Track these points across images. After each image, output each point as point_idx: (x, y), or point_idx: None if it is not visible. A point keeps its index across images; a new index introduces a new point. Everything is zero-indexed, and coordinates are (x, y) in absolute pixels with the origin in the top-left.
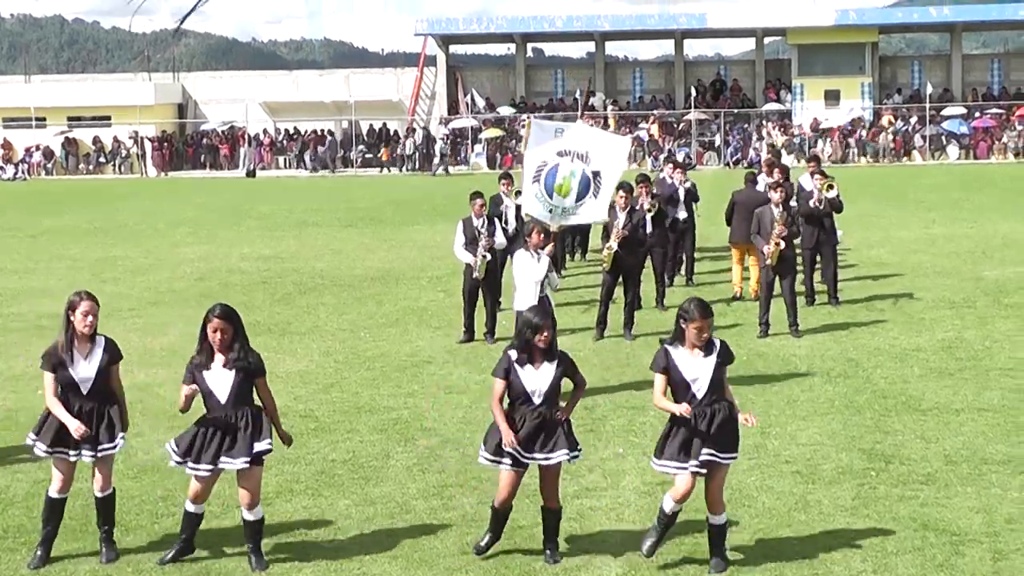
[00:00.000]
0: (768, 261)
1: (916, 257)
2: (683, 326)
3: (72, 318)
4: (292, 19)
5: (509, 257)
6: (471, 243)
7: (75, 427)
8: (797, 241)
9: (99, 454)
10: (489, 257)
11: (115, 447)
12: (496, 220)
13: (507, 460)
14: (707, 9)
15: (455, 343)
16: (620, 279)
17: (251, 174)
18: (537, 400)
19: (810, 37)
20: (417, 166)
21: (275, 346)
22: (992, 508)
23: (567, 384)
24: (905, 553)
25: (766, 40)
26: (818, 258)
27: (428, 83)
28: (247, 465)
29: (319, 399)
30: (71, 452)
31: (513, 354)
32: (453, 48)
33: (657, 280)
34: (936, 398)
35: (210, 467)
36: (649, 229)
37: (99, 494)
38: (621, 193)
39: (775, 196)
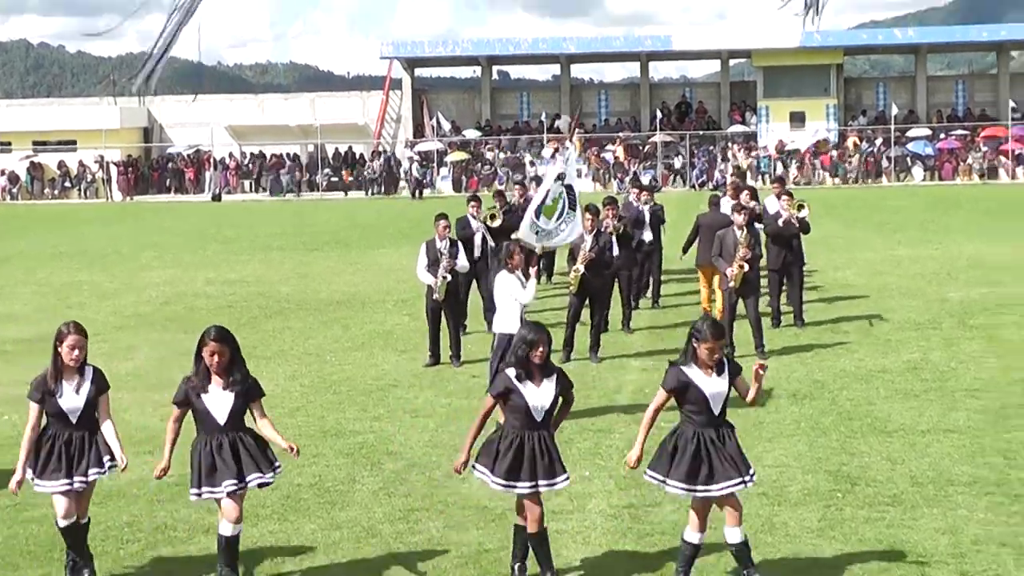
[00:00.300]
0: (731, 284)
1: (882, 279)
2: (695, 345)
3: (60, 350)
4: (257, 43)
5: (475, 280)
6: (433, 265)
7: (15, 480)
8: (760, 263)
9: (88, 478)
10: (449, 278)
11: (103, 472)
12: (459, 243)
13: (524, 485)
14: (672, 32)
15: (421, 367)
16: (587, 301)
17: (216, 198)
18: (538, 417)
19: (775, 59)
20: (383, 189)
21: None
22: (958, 529)
23: None
24: (872, 575)
25: (731, 62)
26: (784, 279)
27: (394, 106)
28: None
29: (285, 423)
30: (63, 481)
31: (511, 372)
32: (419, 71)
33: (623, 303)
34: (902, 419)
35: (235, 483)
36: (616, 252)
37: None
38: (587, 216)
39: (738, 219)
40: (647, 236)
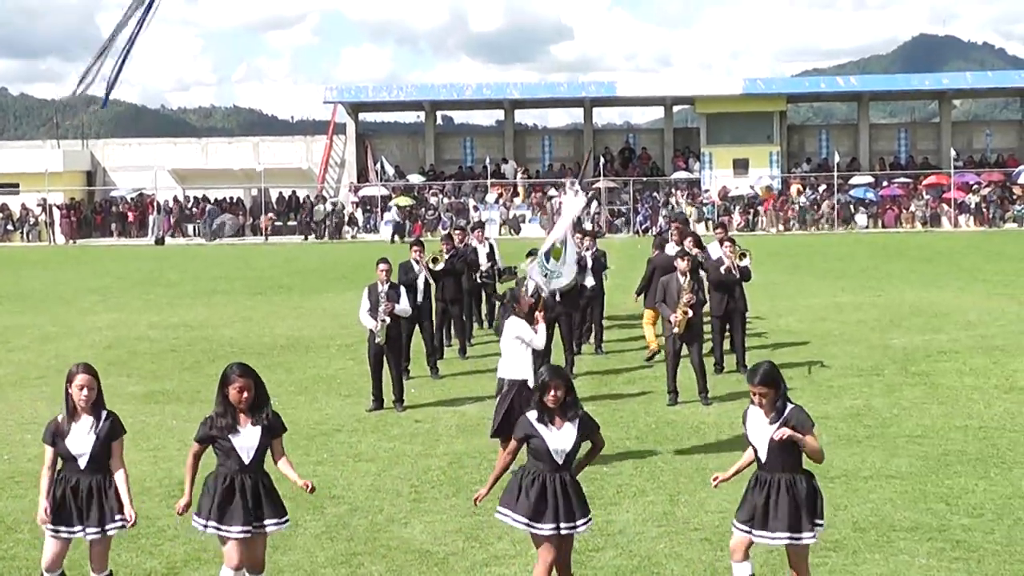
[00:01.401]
0: (675, 329)
1: (824, 325)
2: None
3: (69, 390)
4: (200, 86)
5: (418, 325)
6: (375, 309)
7: (41, 513)
8: (704, 309)
9: (104, 532)
10: (388, 321)
11: (118, 526)
12: (401, 287)
13: (547, 526)
14: (616, 78)
15: (364, 411)
16: None
17: (160, 242)
18: (560, 460)
19: (718, 106)
20: (327, 234)
21: (184, 414)
22: (900, 574)
23: None
24: None
25: (675, 109)
26: (727, 325)
27: (338, 151)
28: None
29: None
30: (64, 529)
31: (533, 415)
32: (363, 116)
33: (566, 348)
34: (844, 465)
35: (246, 529)
36: (558, 296)
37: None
38: (529, 260)
39: (682, 264)
40: (589, 282)
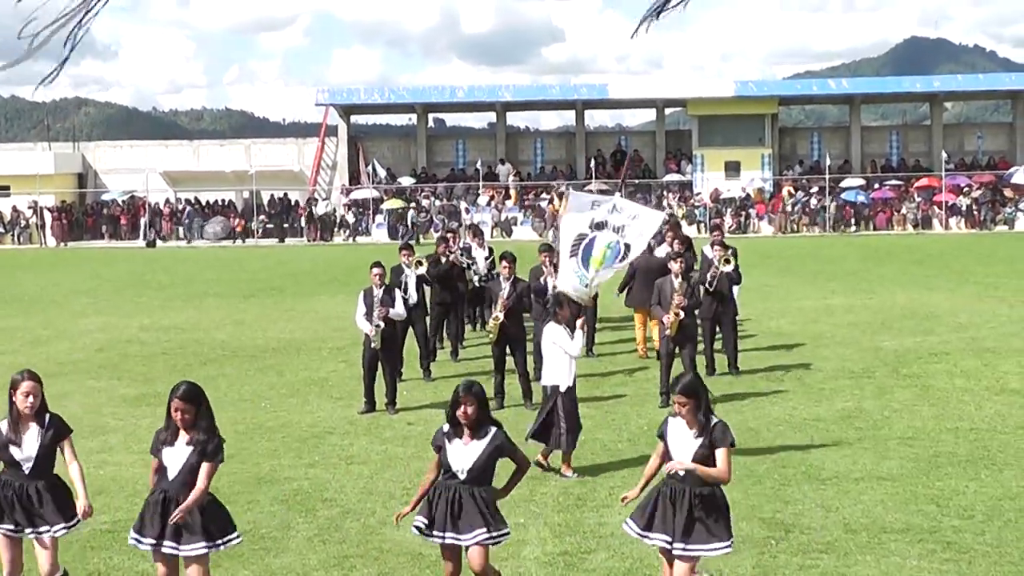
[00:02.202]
0: (668, 332)
1: (816, 327)
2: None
3: (14, 398)
4: (192, 88)
5: (411, 327)
6: (371, 313)
7: None
8: (698, 311)
9: (46, 534)
10: (383, 326)
11: (65, 528)
12: (395, 290)
13: (437, 535)
14: (608, 80)
15: (356, 414)
16: (507, 348)
17: (151, 244)
18: (462, 476)
19: (710, 108)
20: (319, 236)
21: None
22: None
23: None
24: None
25: (667, 111)
26: (717, 328)
27: (329, 153)
28: (196, 552)
29: (219, 470)
30: (11, 529)
31: (445, 428)
32: (354, 118)
33: None
34: (836, 467)
35: (153, 543)
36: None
37: None
38: (504, 263)
39: (675, 267)
40: None
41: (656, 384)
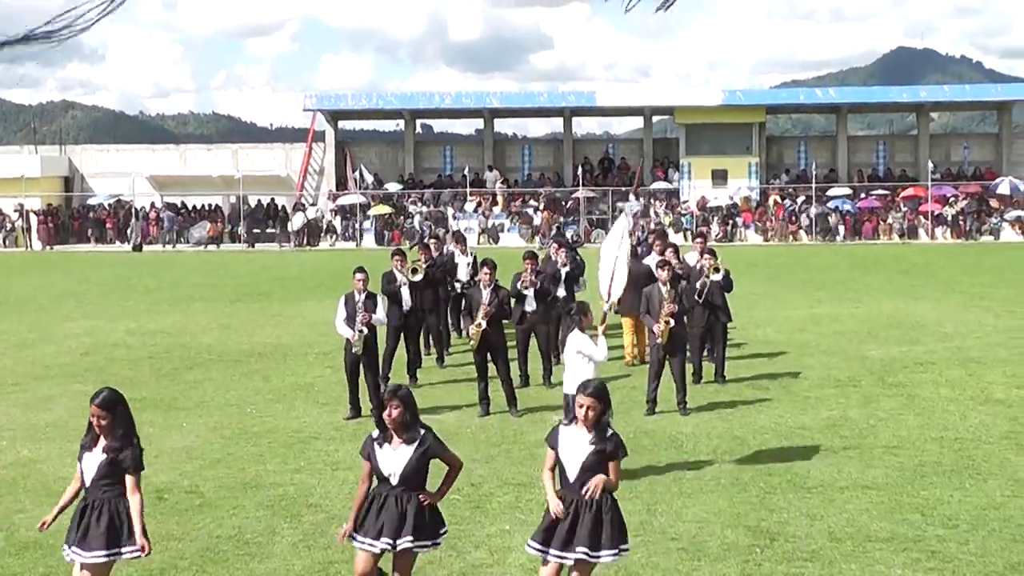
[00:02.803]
0: (659, 340)
1: (802, 336)
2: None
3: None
4: (179, 93)
5: (403, 335)
6: (351, 318)
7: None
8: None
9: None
10: (366, 331)
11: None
12: (377, 296)
13: (367, 540)
14: (596, 88)
15: (342, 419)
16: (489, 355)
17: (138, 248)
18: (394, 481)
19: (698, 116)
20: (306, 241)
21: (161, 421)
22: None
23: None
24: None
25: (654, 119)
26: (708, 336)
27: (317, 158)
28: (96, 561)
29: (205, 475)
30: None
31: (374, 434)
32: (342, 124)
33: (543, 357)
34: (821, 476)
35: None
36: (532, 307)
37: None
38: (486, 270)
39: (662, 274)
40: (561, 292)
41: (642, 392)
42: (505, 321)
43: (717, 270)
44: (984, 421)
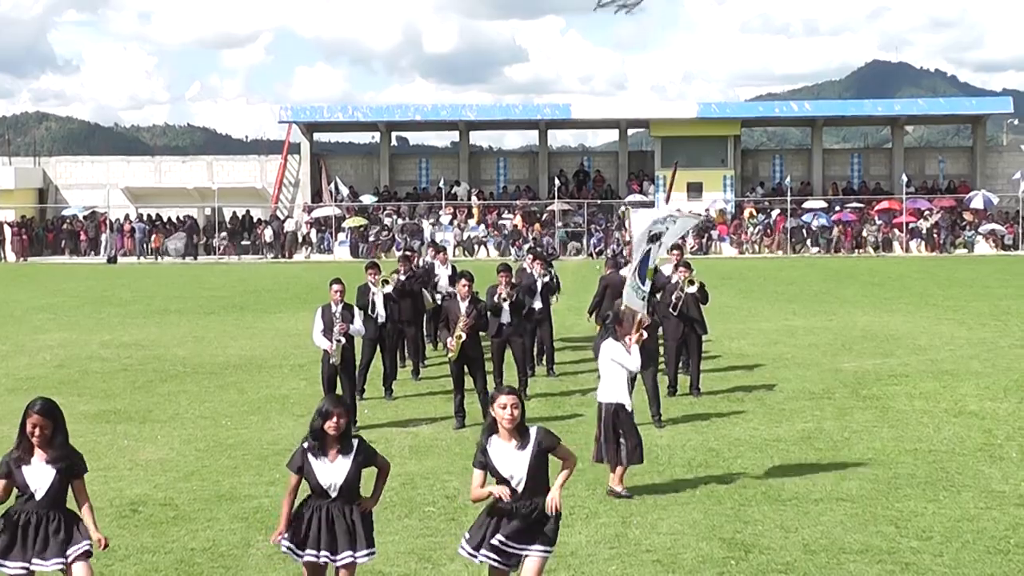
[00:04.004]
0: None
1: (776, 348)
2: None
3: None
4: (154, 104)
5: (379, 346)
6: (329, 330)
7: None
8: (660, 331)
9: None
10: (344, 342)
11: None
12: (354, 308)
13: (309, 552)
14: (571, 100)
15: None
16: (465, 368)
17: (112, 260)
18: (333, 493)
19: (673, 129)
20: (277, 254)
21: (135, 434)
22: None
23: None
24: None
25: (629, 132)
26: (683, 348)
27: (292, 171)
28: (62, 566)
29: (179, 487)
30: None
31: (306, 445)
32: (317, 136)
33: (519, 370)
34: (795, 488)
35: (22, 566)
36: (507, 319)
37: None
38: (464, 282)
39: None
40: (536, 304)
41: None
42: (481, 333)
43: (692, 283)
44: (958, 433)
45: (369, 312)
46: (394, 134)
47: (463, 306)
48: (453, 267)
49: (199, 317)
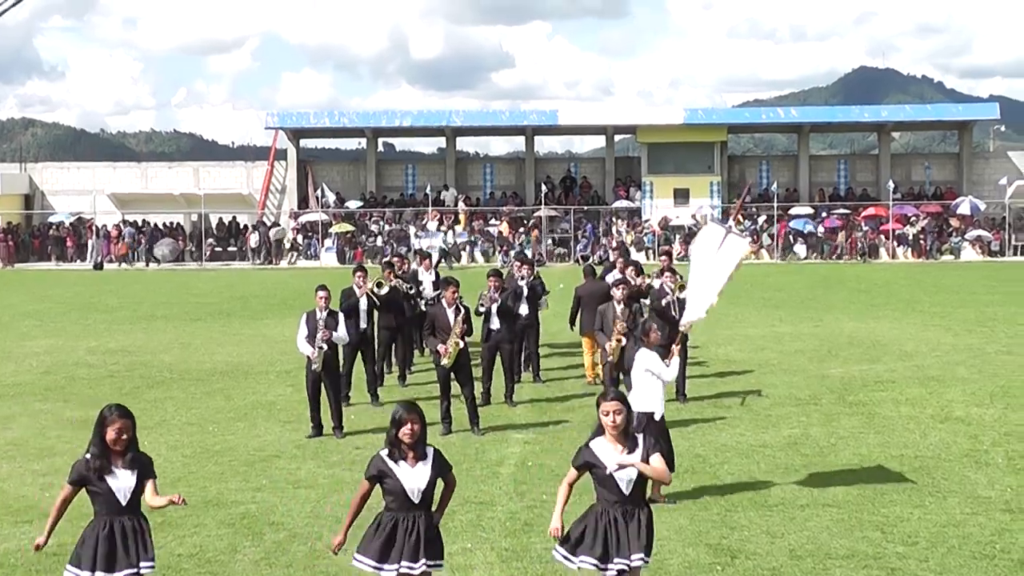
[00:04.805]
0: (610, 357)
1: (763, 354)
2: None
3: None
4: (140, 110)
5: (361, 352)
6: (312, 336)
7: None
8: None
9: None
10: (327, 348)
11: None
12: (339, 314)
13: (391, 567)
14: (558, 106)
15: (303, 437)
16: (452, 374)
17: (99, 266)
18: (415, 499)
19: (660, 135)
20: (263, 259)
21: None
22: None
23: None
24: None
25: (616, 138)
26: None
27: (278, 177)
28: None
29: (166, 493)
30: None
31: (384, 452)
32: (304, 142)
33: (506, 376)
34: (782, 494)
35: (133, 571)
36: (496, 325)
37: None
38: (451, 289)
39: (617, 293)
40: (523, 310)
41: None
42: (468, 339)
43: (683, 287)
44: (944, 439)
45: (352, 317)
46: (380, 140)
47: (449, 312)
48: (437, 273)
49: (185, 323)
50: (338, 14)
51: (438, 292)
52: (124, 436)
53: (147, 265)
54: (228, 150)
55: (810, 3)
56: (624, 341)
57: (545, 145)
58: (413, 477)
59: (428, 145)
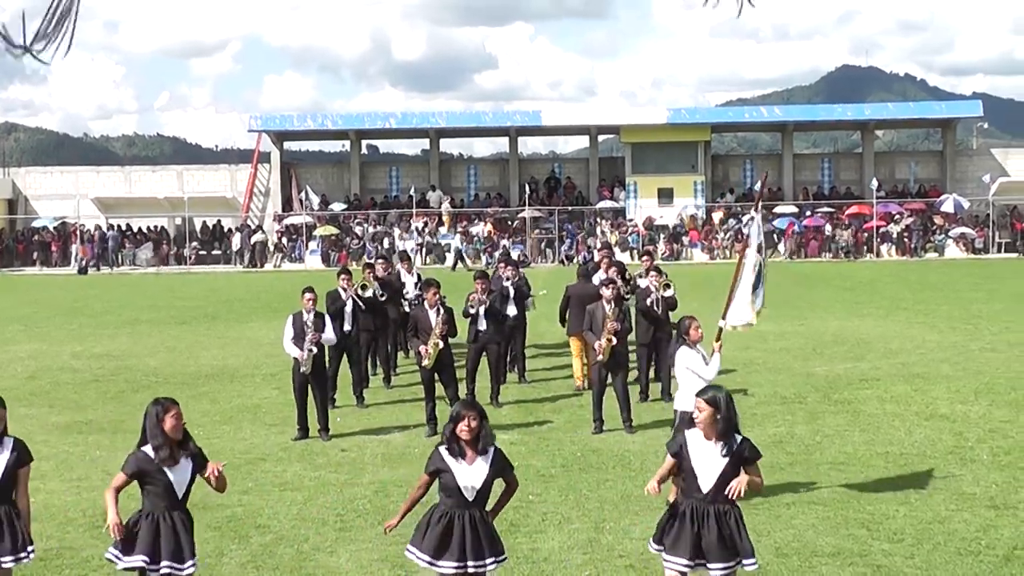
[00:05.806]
0: (600, 357)
1: (747, 353)
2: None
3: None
4: (123, 114)
5: (346, 354)
6: (299, 338)
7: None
8: (630, 337)
9: (18, 560)
10: (315, 351)
11: (19, 559)
12: (326, 316)
13: (449, 564)
14: (542, 107)
15: (290, 440)
16: (436, 375)
17: (83, 271)
18: (470, 496)
19: (643, 135)
20: (248, 263)
21: (108, 444)
22: None
23: None
24: None
25: (600, 138)
26: (654, 354)
27: (262, 179)
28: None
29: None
30: None
31: (443, 448)
32: (287, 145)
33: (492, 376)
34: (767, 491)
35: (176, 565)
36: (484, 326)
37: None
38: (433, 290)
39: (606, 292)
40: (510, 311)
41: (588, 411)
42: (452, 339)
43: (668, 286)
44: (929, 436)
45: (337, 319)
46: (364, 142)
47: (431, 314)
48: (419, 275)
49: (171, 327)
50: (320, 17)
51: (419, 294)
52: (183, 422)
53: (132, 267)
54: (211, 153)
55: (793, 2)
56: (615, 340)
57: (529, 146)
58: (469, 475)
59: (412, 147)
